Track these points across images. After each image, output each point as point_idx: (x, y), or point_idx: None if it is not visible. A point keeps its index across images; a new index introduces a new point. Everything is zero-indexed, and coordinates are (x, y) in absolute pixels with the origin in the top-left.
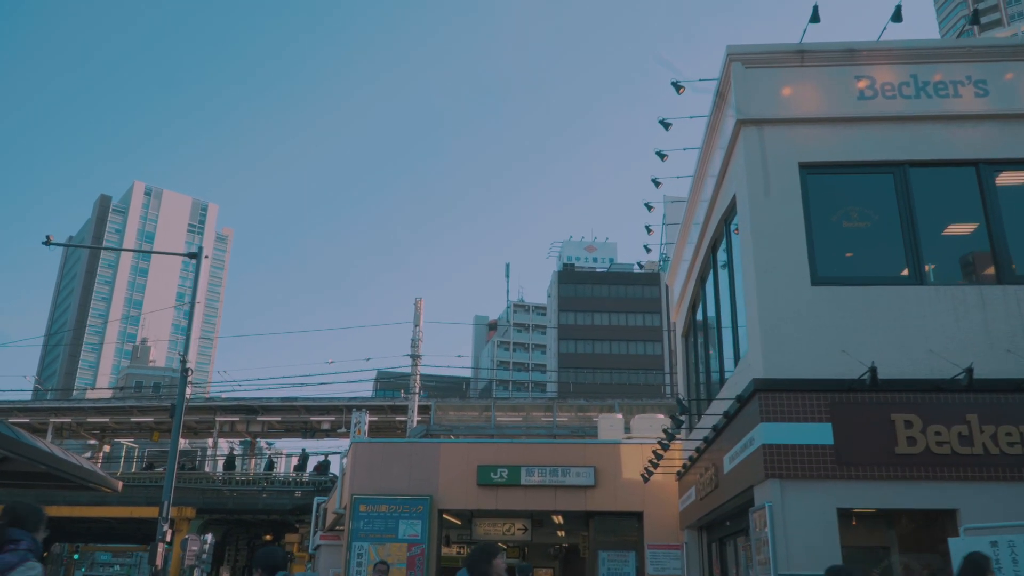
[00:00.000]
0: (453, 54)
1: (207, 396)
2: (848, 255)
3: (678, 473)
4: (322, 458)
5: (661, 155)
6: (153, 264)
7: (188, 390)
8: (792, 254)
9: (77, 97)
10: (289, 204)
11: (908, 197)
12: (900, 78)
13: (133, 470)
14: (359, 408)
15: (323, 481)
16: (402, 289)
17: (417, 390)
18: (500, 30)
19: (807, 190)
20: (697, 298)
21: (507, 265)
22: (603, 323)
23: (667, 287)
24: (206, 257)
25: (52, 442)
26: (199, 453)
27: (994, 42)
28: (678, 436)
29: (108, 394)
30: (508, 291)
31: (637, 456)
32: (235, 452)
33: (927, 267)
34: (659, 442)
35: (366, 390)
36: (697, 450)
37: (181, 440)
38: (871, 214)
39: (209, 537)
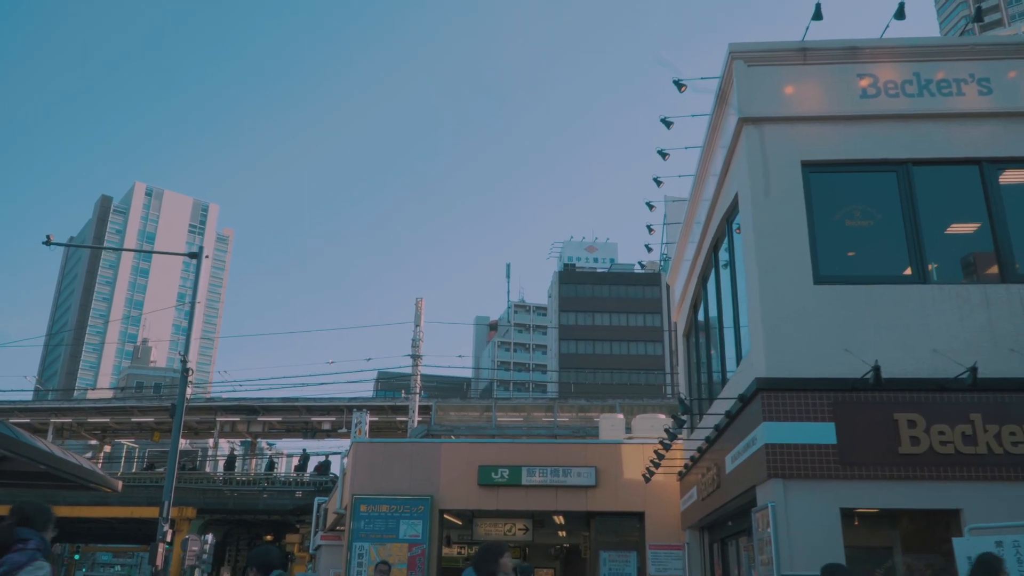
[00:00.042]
0: (453, 54)
1: (208, 396)
2: (851, 254)
3: (679, 473)
4: (323, 458)
5: (663, 154)
6: (154, 264)
7: (189, 390)
8: (794, 253)
9: (77, 97)
10: (289, 204)
11: (911, 196)
12: (903, 76)
13: (134, 470)
14: (360, 408)
15: (324, 481)
16: (403, 289)
17: (418, 390)
18: (500, 31)
19: (809, 189)
20: (699, 298)
21: (508, 265)
22: (604, 323)
23: (668, 287)
24: (206, 257)
25: (53, 442)
26: (200, 453)
27: (997, 40)
28: (679, 436)
29: (109, 394)
30: (509, 291)
31: (638, 456)
32: (236, 452)
33: (930, 266)
34: (661, 442)
35: (367, 390)
36: (699, 450)
37: (182, 440)
38: (874, 213)
39: (210, 537)
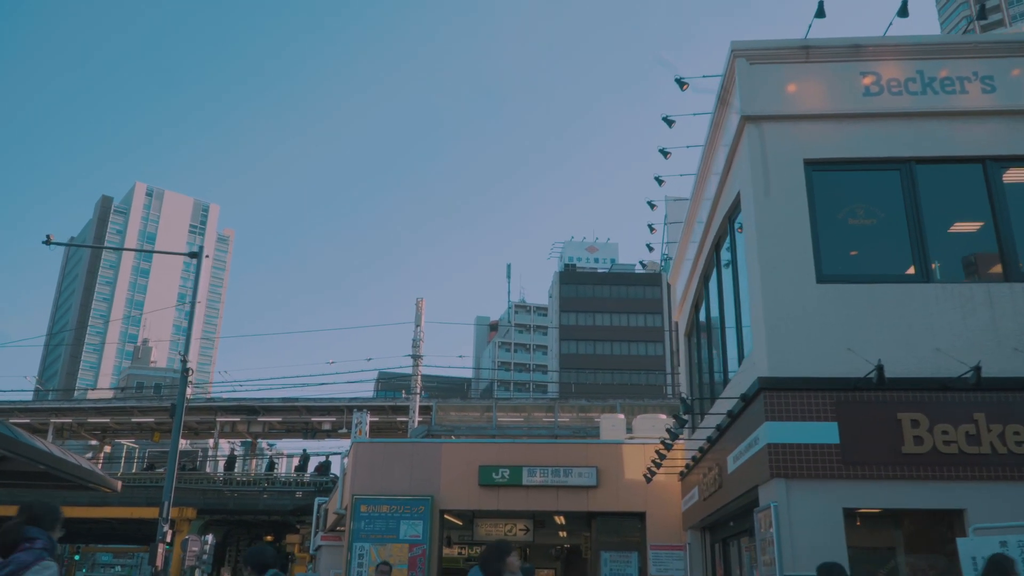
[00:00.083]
0: (453, 55)
1: (208, 396)
2: (853, 253)
3: (681, 473)
4: (323, 459)
5: (664, 153)
6: (154, 265)
7: (189, 390)
8: (797, 252)
9: (77, 97)
10: (290, 205)
11: (914, 194)
12: (906, 74)
13: (134, 470)
14: (360, 408)
15: (324, 482)
16: (403, 290)
17: (418, 390)
18: (500, 31)
19: (812, 187)
20: (700, 297)
21: (508, 266)
22: (604, 324)
23: (669, 287)
24: (207, 257)
25: (53, 443)
26: (200, 454)
27: (1001, 38)
28: (681, 436)
29: (109, 394)
30: (509, 292)
31: (639, 456)
32: (236, 453)
33: (933, 265)
34: (662, 442)
35: (367, 391)
36: (700, 450)
37: (182, 440)
38: (877, 211)
39: (210, 538)
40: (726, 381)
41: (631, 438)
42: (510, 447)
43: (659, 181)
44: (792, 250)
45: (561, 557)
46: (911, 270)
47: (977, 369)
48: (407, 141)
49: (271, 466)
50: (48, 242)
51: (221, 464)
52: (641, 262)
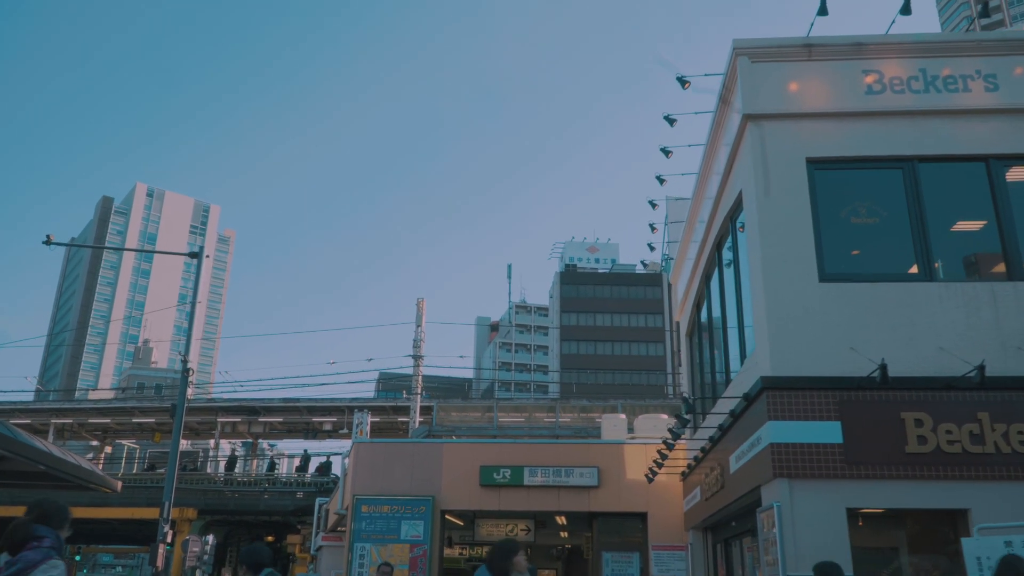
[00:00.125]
0: (454, 55)
1: (209, 397)
2: (856, 252)
3: (682, 473)
4: (324, 459)
5: (666, 151)
6: (155, 265)
7: (189, 391)
8: (800, 250)
9: (78, 97)
10: (291, 205)
11: (917, 193)
12: (909, 72)
13: (134, 471)
14: (361, 409)
15: (325, 482)
16: (404, 290)
17: (419, 391)
18: (500, 31)
19: (814, 186)
20: (702, 296)
21: (509, 266)
22: (605, 324)
23: (670, 287)
24: (207, 257)
25: (54, 443)
26: (201, 454)
27: (1004, 36)
28: (683, 436)
29: (110, 395)
30: (510, 292)
31: (641, 456)
32: (237, 453)
33: (936, 263)
34: (664, 442)
35: (368, 391)
36: (702, 450)
37: (182, 441)
38: (879, 210)
39: (210, 538)
40: (728, 381)
41: (632, 438)
42: (511, 447)
43: (660, 180)
44: (794, 249)
45: (562, 557)
46: (914, 269)
47: (981, 368)
48: (407, 141)
49: (272, 466)
50: (48, 242)
51: (222, 464)
52: (643, 262)
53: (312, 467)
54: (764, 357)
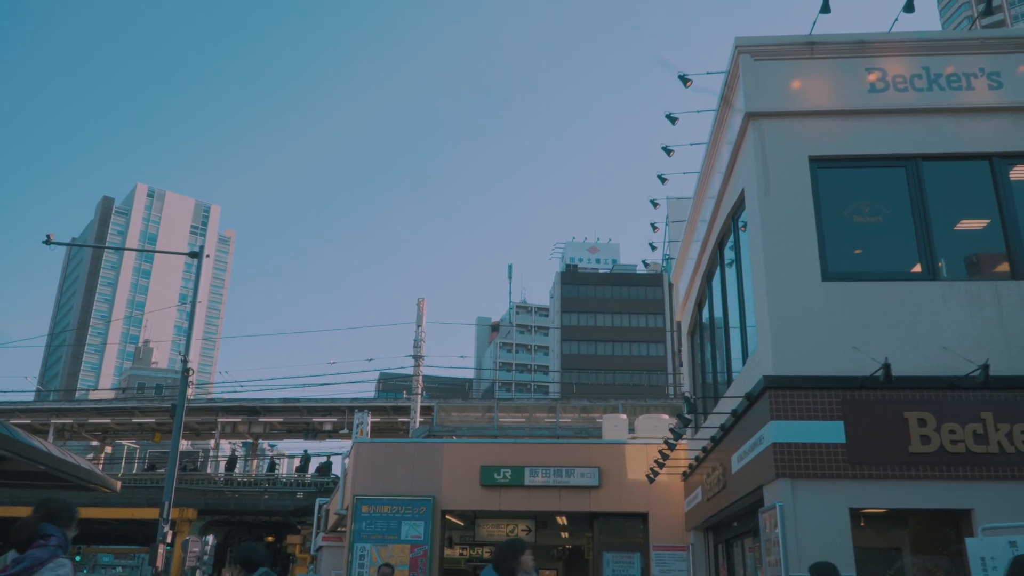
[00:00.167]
0: (454, 55)
1: (209, 397)
2: (859, 250)
3: (684, 473)
4: (324, 459)
5: (667, 150)
6: (156, 265)
7: (190, 391)
8: (802, 249)
9: (78, 98)
10: (291, 205)
11: (920, 191)
12: (912, 70)
13: (135, 471)
14: (361, 409)
15: (325, 482)
16: (404, 290)
17: (420, 391)
18: (501, 31)
19: (817, 184)
20: (703, 296)
21: (509, 266)
22: (606, 324)
23: (671, 286)
24: (207, 257)
25: (54, 443)
26: (201, 454)
27: (1007, 33)
28: (684, 436)
29: (110, 395)
30: (511, 292)
31: (642, 456)
32: (237, 453)
33: (940, 262)
34: (665, 442)
35: (368, 391)
36: (704, 450)
37: (183, 441)
38: (883, 208)
39: (210, 539)
40: (730, 380)
41: (633, 438)
42: (512, 447)
43: (662, 179)
44: (797, 248)
45: (563, 558)
46: (917, 268)
47: (985, 367)
48: (407, 141)
49: (272, 467)
50: (48, 242)
51: (222, 465)
52: (644, 262)
53: (312, 467)
54: (766, 356)
